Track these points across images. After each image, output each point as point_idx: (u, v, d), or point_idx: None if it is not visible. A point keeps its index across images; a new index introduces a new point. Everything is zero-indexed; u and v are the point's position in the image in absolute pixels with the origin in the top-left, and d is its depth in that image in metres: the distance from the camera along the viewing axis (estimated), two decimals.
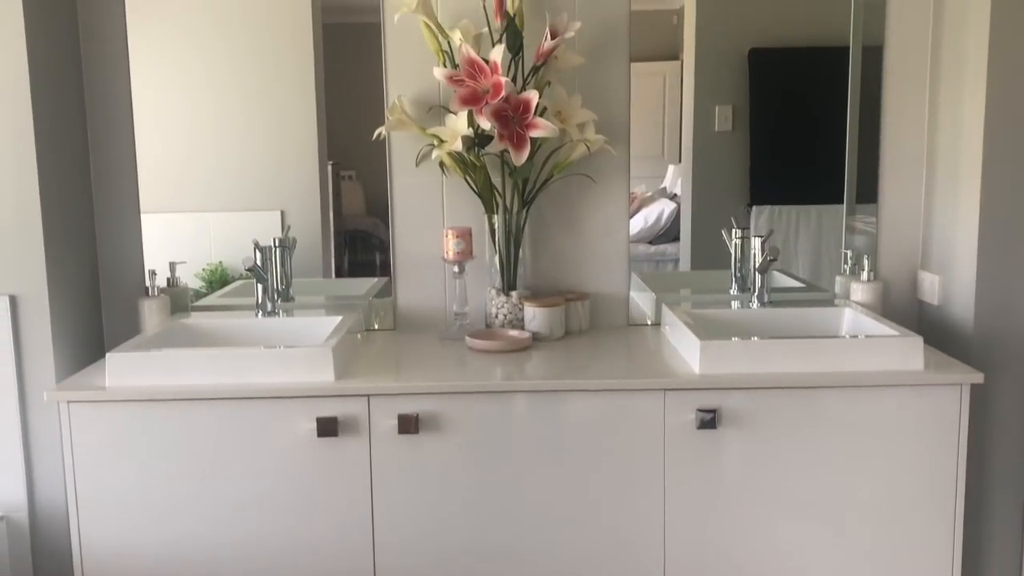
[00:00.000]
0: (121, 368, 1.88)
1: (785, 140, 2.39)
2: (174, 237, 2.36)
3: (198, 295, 2.37)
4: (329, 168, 2.35)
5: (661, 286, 2.40)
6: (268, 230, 2.34)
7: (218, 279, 2.38)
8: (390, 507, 1.91)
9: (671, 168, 2.43)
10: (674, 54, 2.35)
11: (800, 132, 2.39)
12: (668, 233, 2.45)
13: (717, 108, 2.36)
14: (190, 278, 2.37)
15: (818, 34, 2.36)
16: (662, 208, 2.45)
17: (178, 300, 2.34)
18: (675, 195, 2.43)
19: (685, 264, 2.44)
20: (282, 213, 2.36)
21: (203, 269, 2.38)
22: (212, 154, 2.34)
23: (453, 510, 1.91)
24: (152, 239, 2.36)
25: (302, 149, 2.34)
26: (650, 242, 2.46)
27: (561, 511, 1.92)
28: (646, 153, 2.36)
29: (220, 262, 2.38)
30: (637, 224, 2.41)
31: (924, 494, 1.91)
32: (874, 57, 2.33)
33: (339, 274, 2.41)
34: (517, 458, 1.90)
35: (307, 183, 2.35)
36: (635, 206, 2.41)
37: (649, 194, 2.44)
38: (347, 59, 2.32)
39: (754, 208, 2.40)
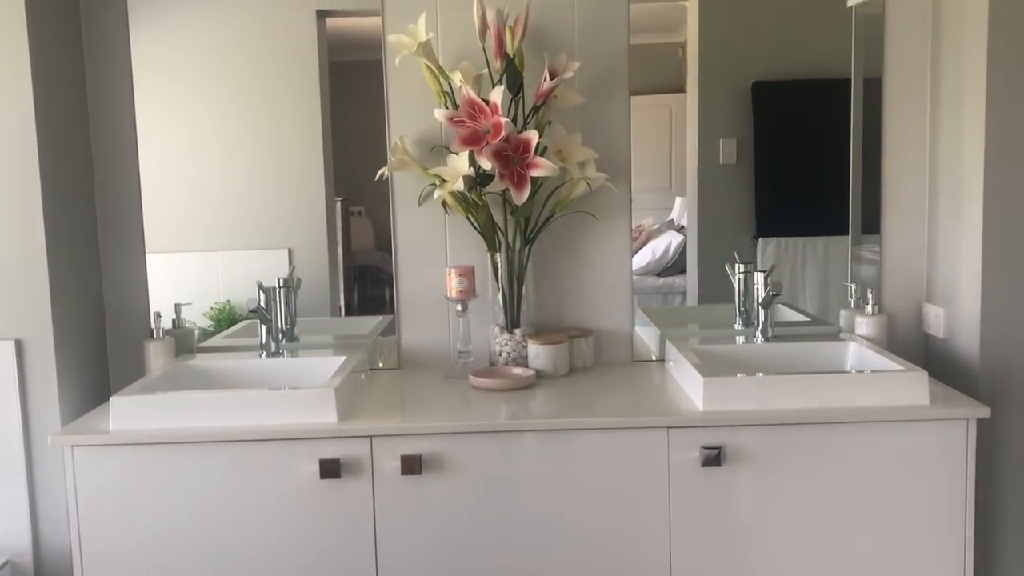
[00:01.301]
0: (125, 411, 1.89)
1: (790, 172, 2.39)
2: (182, 277, 2.37)
3: (206, 334, 2.38)
4: (338, 204, 2.36)
5: (665, 321, 2.40)
6: (275, 268, 2.35)
7: (226, 318, 2.39)
8: (394, 549, 1.89)
9: (678, 200, 2.43)
10: (680, 86, 2.36)
11: (805, 164, 2.39)
12: (676, 265, 2.44)
13: (721, 141, 2.36)
14: (199, 317, 2.38)
15: (820, 67, 2.36)
16: (670, 240, 2.44)
17: (183, 342, 2.34)
18: (682, 227, 2.43)
19: (692, 297, 2.42)
20: (289, 251, 2.36)
21: (211, 308, 2.39)
22: (219, 193, 2.35)
23: (457, 551, 1.90)
24: (160, 279, 2.36)
25: (309, 187, 2.35)
26: (658, 274, 2.46)
27: (566, 551, 1.90)
28: (653, 185, 2.36)
29: (228, 301, 2.38)
30: (645, 257, 2.41)
31: (932, 530, 1.88)
32: (876, 88, 2.34)
33: (349, 309, 2.41)
34: (521, 498, 1.89)
35: (314, 221, 2.36)
36: (642, 239, 2.40)
37: (656, 226, 2.44)
38: (355, 96, 2.33)
39: (760, 240, 2.39)
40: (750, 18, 2.33)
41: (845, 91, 2.35)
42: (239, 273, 2.36)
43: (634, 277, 2.39)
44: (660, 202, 2.41)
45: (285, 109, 2.33)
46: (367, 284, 2.42)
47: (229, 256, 2.37)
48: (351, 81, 2.33)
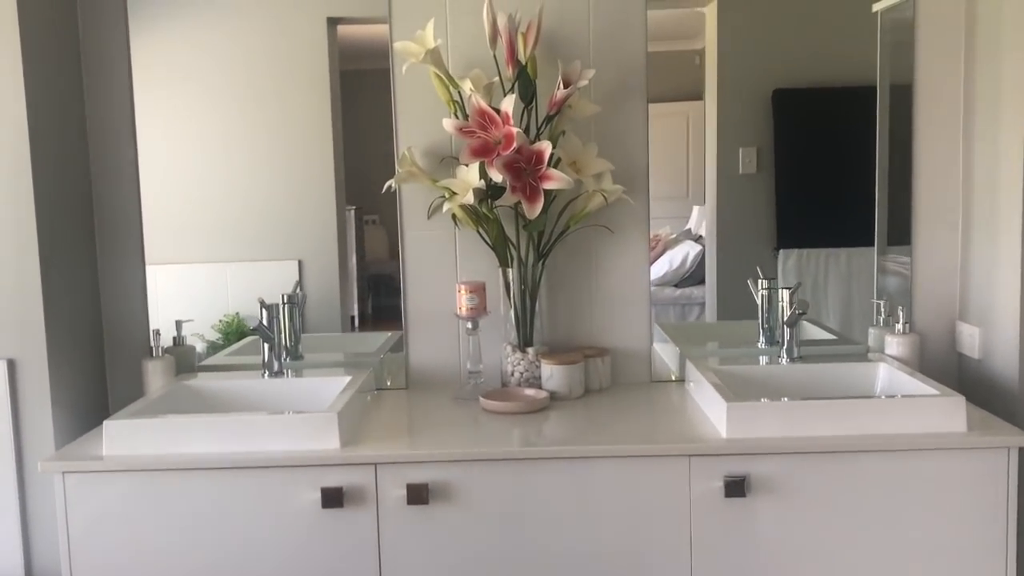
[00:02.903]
0: (119, 436, 1.81)
1: (811, 182, 2.33)
2: (190, 289, 2.32)
3: (214, 347, 2.32)
4: (352, 214, 2.32)
5: (685, 338, 2.32)
6: (285, 280, 2.30)
7: (234, 331, 2.33)
8: None
9: (696, 209, 2.37)
10: (697, 94, 2.30)
11: (827, 174, 2.33)
12: (694, 276, 2.39)
13: (741, 150, 2.30)
14: (207, 330, 2.32)
15: (842, 74, 2.30)
16: (687, 250, 2.38)
17: (184, 360, 2.27)
18: (700, 236, 2.38)
19: (711, 309, 2.36)
20: (299, 263, 2.31)
21: (220, 321, 2.33)
22: (228, 203, 2.30)
23: None
24: (167, 292, 2.31)
25: (320, 197, 2.30)
26: (675, 285, 2.39)
27: None
28: (670, 194, 2.31)
29: (237, 313, 2.33)
30: (662, 267, 2.34)
31: (969, 566, 1.79)
32: (901, 96, 2.26)
33: (363, 318, 2.36)
34: (534, 529, 1.80)
35: (325, 232, 2.31)
36: (659, 248, 2.33)
37: (674, 236, 2.38)
38: (367, 105, 2.28)
39: (781, 252, 2.32)
40: (770, 24, 2.28)
41: (869, 98, 2.28)
42: (249, 285, 2.31)
43: (651, 288, 2.31)
44: (677, 211, 2.36)
45: (295, 117, 2.28)
46: (381, 293, 2.37)
47: (239, 267, 2.32)
48: (364, 88, 2.29)
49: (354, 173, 2.30)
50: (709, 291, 2.36)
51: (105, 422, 1.81)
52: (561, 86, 2.05)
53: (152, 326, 2.29)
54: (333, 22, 2.26)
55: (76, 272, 2.18)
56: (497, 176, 2.00)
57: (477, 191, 2.06)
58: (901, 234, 2.29)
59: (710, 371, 2.06)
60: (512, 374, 2.18)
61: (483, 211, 2.12)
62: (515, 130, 1.97)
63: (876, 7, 2.26)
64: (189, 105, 2.28)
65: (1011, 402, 2.02)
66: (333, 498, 1.77)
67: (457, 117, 2.12)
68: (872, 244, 2.32)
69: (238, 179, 2.29)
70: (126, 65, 2.24)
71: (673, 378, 2.30)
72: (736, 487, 1.76)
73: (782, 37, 2.28)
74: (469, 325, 2.18)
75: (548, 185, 2.00)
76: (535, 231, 2.13)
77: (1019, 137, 1.97)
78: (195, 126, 2.28)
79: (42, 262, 2.00)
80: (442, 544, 1.80)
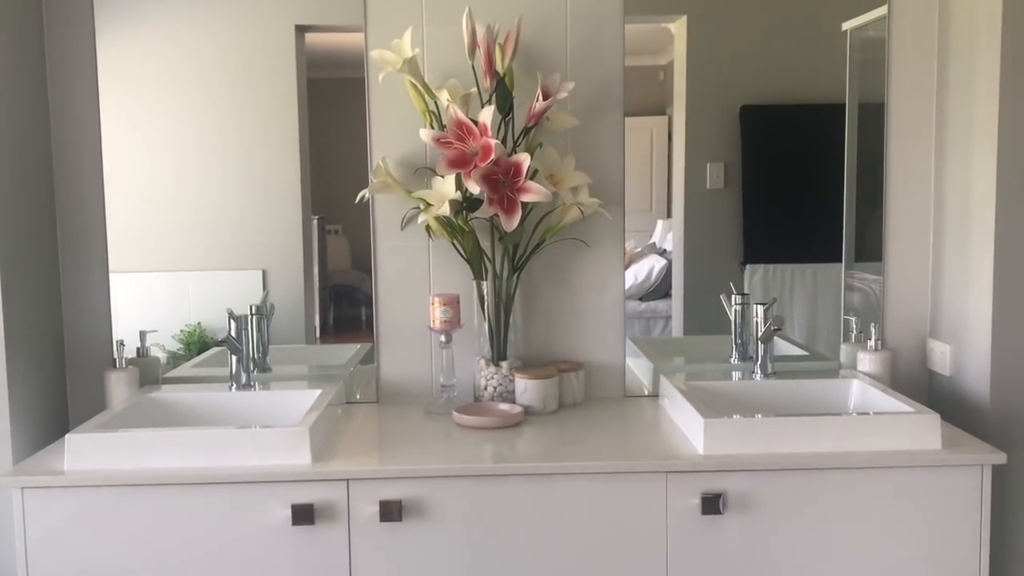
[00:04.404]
0: (81, 450, 1.75)
1: (779, 198, 2.34)
2: (151, 298, 2.26)
3: (175, 358, 2.26)
4: (315, 223, 2.28)
5: (658, 352, 2.31)
6: (249, 290, 2.25)
7: (196, 341, 2.28)
8: None
9: (660, 223, 2.37)
10: (661, 109, 2.31)
11: (794, 190, 2.34)
12: (659, 290, 2.39)
13: (709, 165, 2.30)
14: (168, 340, 2.26)
15: (811, 91, 2.32)
16: (652, 264, 2.38)
17: (148, 371, 2.21)
18: (665, 250, 2.37)
19: (678, 323, 2.35)
20: (263, 273, 2.26)
21: (181, 331, 2.27)
22: (192, 211, 2.25)
23: None
24: (128, 300, 2.25)
25: (285, 207, 2.26)
26: (640, 299, 2.39)
27: None
28: (634, 208, 2.29)
29: (199, 323, 2.27)
30: (627, 281, 2.33)
31: None
32: (869, 113, 2.28)
33: (324, 330, 2.33)
34: (508, 546, 1.77)
35: (290, 242, 2.27)
36: (625, 262, 2.31)
37: (638, 250, 2.38)
38: (333, 113, 2.26)
39: (748, 267, 2.32)
40: (739, 41, 2.28)
41: (837, 116, 2.29)
42: (211, 294, 2.26)
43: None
44: (642, 225, 2.36)
45: (261, 125, 2.24)
46: (343, 304, 2.35)
47: (201, 276, 2.27)
48: (330, 98, 2.26)
49: (318, 182, 2.27)
50: (676, 305, 2.35)
51: (67, 436, 1.75)
52: (540, 98, 2.03)
53: (114, 336, 2.23)
54: (301, 30, 2.22)
55: (37, 280, 2.11)
56: (475, 188, 1.97)
57: (453, 203, 2.03)
58: (867, 251, 2.31)
59: (685, 386, 2.05)
60: (485, 388, 2.15)
61: (458, 223, 2.09)
62: (493, 142, 1.95)
63: (845, 26, 2.27)
64: (154, 111, 2.23)
65: (982, 419, 2.03)
66: (304, 515, 1.73)
67: (433, 127, 2.10)
68: (838, 260, 2.33)
69: (203, 187, 2.25)
70: (92, 71, 2.19)
71: (646, 393, 2.28)
72: (712, 504, 1.75)
73: (750, 53, 2.28)
74: (442, 338, 2.14)
75: (526, 198, 1.98)
76: (511, 243, 2.11)
77: (991, 154, 1.99)
78: (160, 133, 2.23)
79: (2, 269, 1.93)
80: (415, 562, 1.76)
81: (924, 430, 1.79)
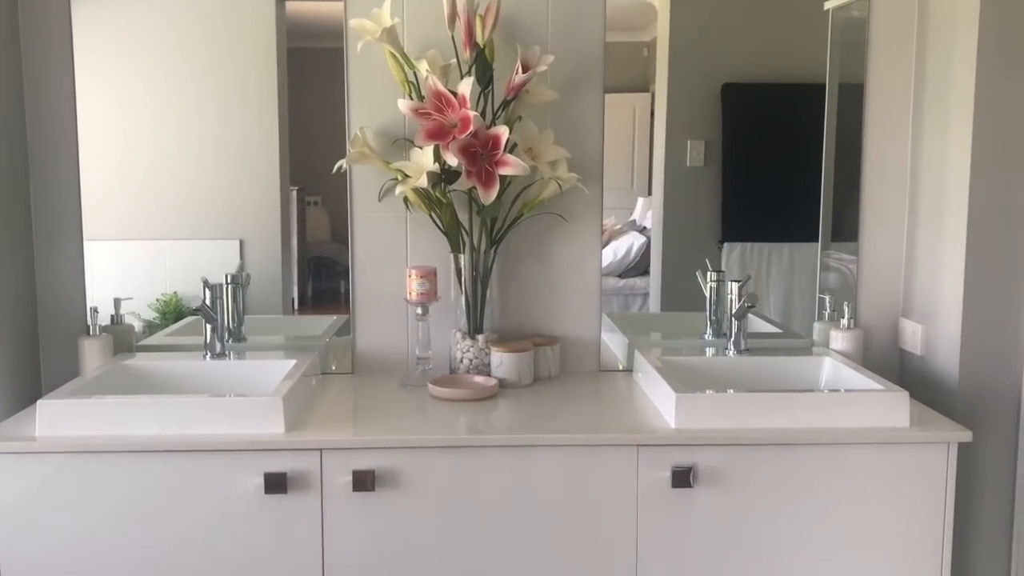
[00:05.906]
0: (53, 416, 1.74)
1: (758, 177, 2.34)
2: (127, 266, 2.25)
3: (151, 327, 2.25)
4: (294, 194, 2.27)
5: (633, 328, 2.31)
6: (226, 260, 2.24)
7: (172, 310, 2.26)
8: (343, 571, 1.78)
9: (640, 200, 2.37)
10: (644, 86, 2.30)
11: (773, 169, 2.34)
12: (637, 267, 2.38)
13: (689, 143, 2.30)
14: (143, 309, 2.25)
15: (792, 70, 2.32)
16: (632, 241, 2.38)
17: (122, 339, 2.20)
18: (644, 228, 2.37)
19: (655, 300, 2.36)
20: (241, 243, 2.25)
21: (157, 300, 2.26)
22: (168, 180, 2.23)
23: (412, 574, 1.78)
24: (105, 269, 2.24)
25: (263, 177, 2.24)
26: (619, 276, 2.39)
27: (528, 575, 1.79)
28: (615, 185, 2.29)
29: (175, 292, 2.26)
30: (606, 257, 2.34)
31: (908, 556, 1.82)
32: (850, 94, 2.28)
33: (303, 301, 2.32)
34: (481, 517, 1.78)
35: (268, 212, 2.26)
36: (604, 239, 2.32)
37: (618, 226, 2.37)
38: (313, 84, 2.24)
39: (726, 245, 2.33)
40: (721, 19, 2.28)
41: (818, 96, 2.30)
42: (187, 263, 2.25)
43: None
44: (622, 202, 2.35)
45: (241, 95, 2.22)
46: (322, 276, 2.34)
47: (177, 245, 2.26)
48: (310, 68, 2.24)
49: (297, 153, 2.25)
50: (654, 282, 2.36)
51: (39, 401, 1.75)
52: (520, 71, 2.02)
53: (88, 304, 2.21)
54: None
55: (10, 246, 2.09)
56: (452, 160, 1.97)
57: (431, 175, 2.03)
58: (844, 231, 2.32)
59: (659, 361, 2.06)
60: (461, 361, 2.16)
61: (436, 195, 2.09)
62: (472, 113, 1.94)
63: (827, 5, 2.27)
64: (131, 79, 2.20)
65: (951, 398, 2.06)
66: (277, 484, 1.73)
67: (412, 98, 2.09)
68: (815, 240, 2.34)
69: (180, 155, 2.23)
70: (67, 37, 2.16)
71: (620, 367, 2.30)
72: (683, 477, 1.77)
73: (733, 32, 2.28)
74: (419, 311, 2.15)
75: (504, 171, 1.98)
76: (489, 217, 2.10)
77: (967, 139, 2.00)
78: (137, 100, 2.21)
79: None
80: (387, 532, 1.77)
81: (893, 408, 1.82)
